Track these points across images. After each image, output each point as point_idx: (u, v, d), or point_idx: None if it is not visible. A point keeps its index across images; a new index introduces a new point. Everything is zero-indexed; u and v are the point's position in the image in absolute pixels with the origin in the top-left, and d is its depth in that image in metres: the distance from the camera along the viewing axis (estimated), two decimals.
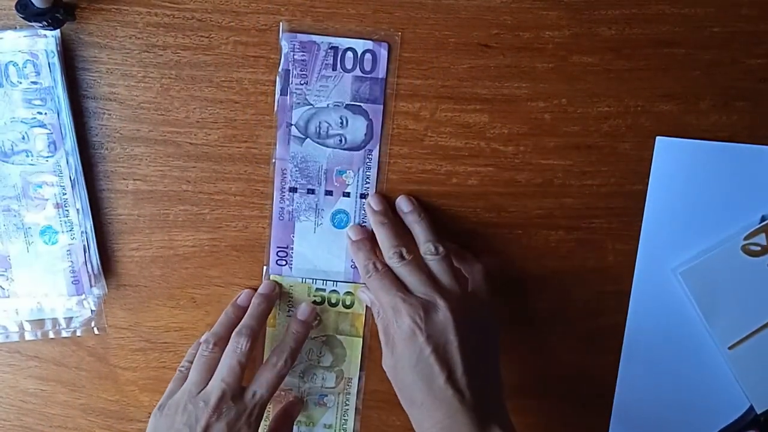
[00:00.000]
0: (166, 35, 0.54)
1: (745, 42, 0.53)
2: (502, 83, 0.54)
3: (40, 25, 0.51)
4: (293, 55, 0.53)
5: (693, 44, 0.53)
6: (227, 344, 0.54)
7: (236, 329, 0.54)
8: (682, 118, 0.54)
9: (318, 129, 0.55)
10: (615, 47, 0.53)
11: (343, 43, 0.53)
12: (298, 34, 0.53)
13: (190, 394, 0.52)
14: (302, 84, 0.54)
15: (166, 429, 0.50)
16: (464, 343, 0.49)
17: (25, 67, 0.53)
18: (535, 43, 0.53)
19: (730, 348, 0.56)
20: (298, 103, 0.54)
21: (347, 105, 0.54)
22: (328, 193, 0.56)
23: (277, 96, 0.54)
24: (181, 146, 0.55)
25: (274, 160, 0.55)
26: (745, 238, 0.55)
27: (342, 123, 0.54)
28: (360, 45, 0.53)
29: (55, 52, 0.53)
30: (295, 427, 0.60)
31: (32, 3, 0.49)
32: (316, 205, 0.56)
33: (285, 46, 0.53)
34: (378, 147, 0.55)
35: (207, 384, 0.52)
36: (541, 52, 0.53)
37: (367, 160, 0.55)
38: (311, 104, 0.54)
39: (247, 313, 0.55)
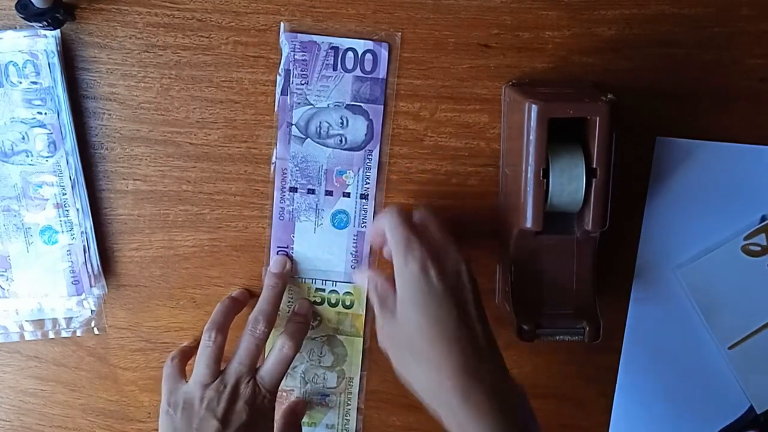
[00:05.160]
0: (166, 35, 0.54)
1: (745, 42, 0.53)
2: (502, 83, 0.54)
3: (40, 25, 0.51)
4: (294, 55, 0.53)
5: (693, 44, 0.53)
6: (227, 333, 0.54)
7: (252, 314, 0.54)
8: (682, 118, 0.54)
9: (318, 129, 0.55)
10: (615, 47, 0.53)
11: (344, 43, 0.53)
12: (299, 34, 0.53)
13: (203, 384, 0.51)
14: (303, 84, 0.54)
15: (186, 422, 0.50)
16: (475, 290, 0.48)
17: (25, 67, 0.53)
18: (535, 43, 0.53)
19: (730, 348, 0.56)
20: (299, 103, 0.54)
21: (348, 105, 0.54)
22: (328, 193, 0.56)
23: (277, 96, 0.54)
24: (181, 146, 0.55)
25: (274, 160, 0.55)
26: (745, 238, 0.55)
27: (342, 123, 0.54)
28: (360, 45, 0.53)
29: (55, 52, 0.53)
30: None
31: (32, 3, 0.49)
32: (317, 205, 0.56)
33: (286, 46, 0.53)
34: (378, 147, 0.55)
35: (217, 374, 0.52)
36: (541, 52, 0.53)
37: (368, 161, 0.55)
38: (312, 104, 0.54)
39: (261, 297, 0.55)
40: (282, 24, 0.53)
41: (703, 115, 0.54)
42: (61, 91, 0.54)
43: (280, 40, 0.53)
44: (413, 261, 0.46)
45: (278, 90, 0.54)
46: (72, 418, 0.60)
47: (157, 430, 0.60)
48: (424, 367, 0.46)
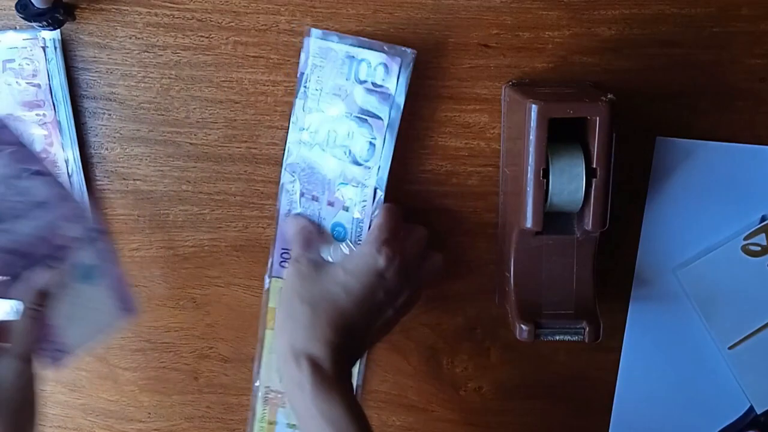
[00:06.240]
0: (166, 35, 0.54)
1: (745, 42, 0.53)
2: (502, 83, 0.54)
3: (40, 25, 0.51)
4: (312, 60, 0.53)
5: (693, 44, 0.53)
6: None
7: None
8: (682, 118, 0.54)
9: (327, 137, 0.54)
10: (615, 47, 0.53)
11: (359, 53, 0.52)
12: (318, 40, 0.52)
13: None
14: (317, 90, 0.53)
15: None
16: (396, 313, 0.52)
17: (25, 68, 0.53)
18: (535, 43, 0.53)
19: (730, 348, 0.56)
20: (311, 109, 0.54)
21: (356, 116, 0.53)
22: (330, 203, 0.54)
23: (296, 99, 0.53)
24: (181, 146, 0.55)
25: (286, 163, 0.55)
26: (745, 238, 0.55)
27: (349, 134, 0.53)
28: (375, 57, 0.52)
29: (55, 53, 0.53)
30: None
31: (32, 3, 0.49)
32: (319, 213, 0.55)
33: (306, 49, 0.52)
34: (379, 164, 0.53)
35: None
36: (541, 52, 0.53)
37: (367, 178, 0.53)
38: (323, 111, 0.53)
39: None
40: (305, 28, 0.52)
41: (703, 115, 0.54)
42: (61, 91, 0.54)
43: (303, 44, 0.52)
44: (385, 257, 0.49)
45: (297, 93, 0.53)
46: (72, 418, 0.60)
47: (157, 430, 0.61)
48: (311, 315, 0.49)
